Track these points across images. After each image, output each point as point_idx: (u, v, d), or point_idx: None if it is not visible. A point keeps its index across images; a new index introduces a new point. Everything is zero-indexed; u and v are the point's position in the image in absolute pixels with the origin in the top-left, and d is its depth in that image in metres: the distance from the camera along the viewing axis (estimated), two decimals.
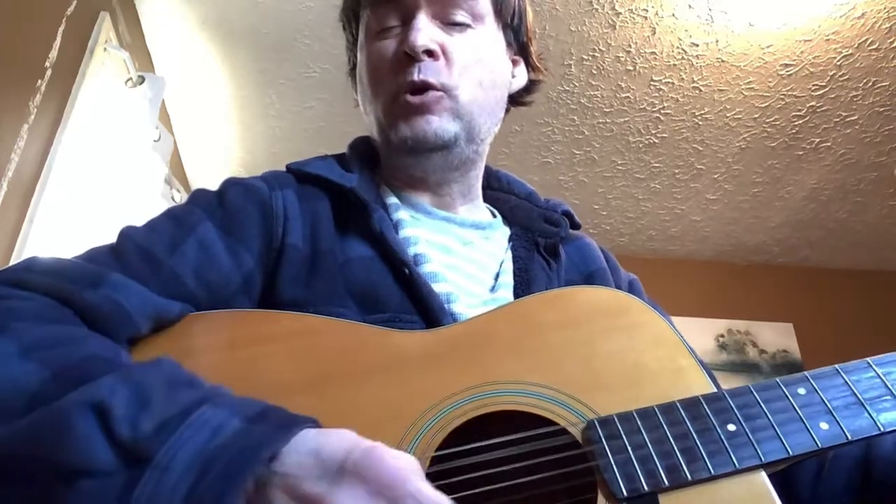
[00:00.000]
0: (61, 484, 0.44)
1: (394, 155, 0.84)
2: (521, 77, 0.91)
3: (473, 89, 0.80)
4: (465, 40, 0.80)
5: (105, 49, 1.85)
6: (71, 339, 0.54)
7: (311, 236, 0.75)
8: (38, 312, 0.56)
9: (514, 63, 0.90)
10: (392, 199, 0.83)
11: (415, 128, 0.78)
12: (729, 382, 0.64)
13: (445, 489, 0.54)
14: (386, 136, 0.82)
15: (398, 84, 0.79)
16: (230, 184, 0.78)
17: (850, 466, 0.67)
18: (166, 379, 0.51)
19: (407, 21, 0.80)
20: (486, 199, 0.94)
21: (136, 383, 0.49)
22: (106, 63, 1.86)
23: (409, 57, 0.78)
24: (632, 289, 0.91)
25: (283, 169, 0.83)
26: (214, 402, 0.49)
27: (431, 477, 0.55)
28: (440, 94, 0.78)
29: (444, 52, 0.79)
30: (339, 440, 0.47)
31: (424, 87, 0.77)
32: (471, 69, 0.80)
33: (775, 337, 3.09)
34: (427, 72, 0.77)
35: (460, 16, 0.81)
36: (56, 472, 0.44)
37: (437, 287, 0.73)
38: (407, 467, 0.45)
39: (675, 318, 0.83)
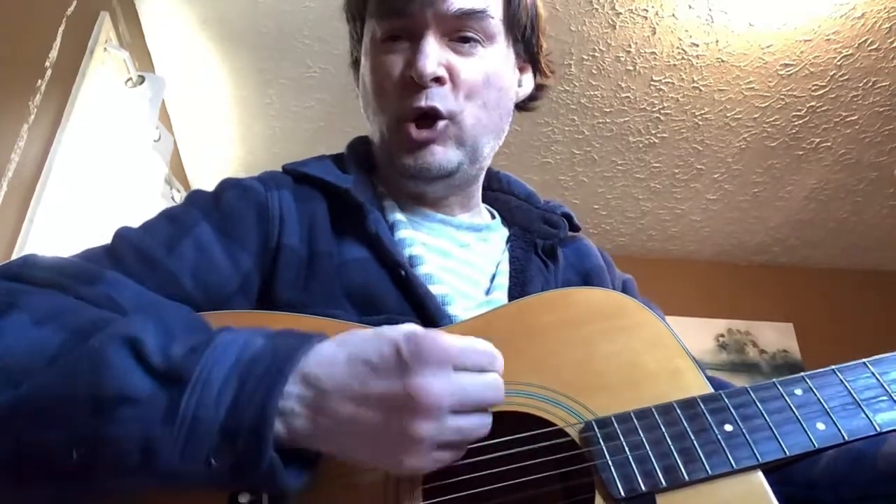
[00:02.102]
0: (104, 417, 0.46)
1: (393, 172, 0.82)
2: (527, 85, 0.89)
3: (478, 112, 0.78)
4: (473, 62, 0.77)
5: (105, 49, 1.85)
6: (80, 307, 0.56)
7: (308, 237, 0.75)
8: (42, 293, 0.57)
9: (522, 70, 0.88)
10: (388, 202, 0.83)
11: (418, 159, 0.77)
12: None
13: (443, 490, 0.55)
14: (388, 155, 0.81)
15: (404, 108, 0.77)
16: (227, 185, 0.78)
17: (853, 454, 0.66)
18: (186, 317, 0.56)
19: (414, 37, 0.77)
20: (485, 200, 0.94)
21: (161, 319, 0.52)
22: (106, 63, 1.86)
23: (415, 82, 0.75)
24: (625, 289, 0.91)
25: (280, 169, 0.83)
26: (232, 329, 0.53)
27: (429, 478, 0.55)
28: (445, 122, 0.76)
29: (452, 75, 0.77)
30: (367, 339, 0.50)
31: (430, 115, 0.76)
32: (477, 91, 0.78)
33: (775, 337, 3.09)
34: (434, 98, 0.75)
35: (470, 34, 0.77)
36: (97, 406, 0.46)
37: (433, 289, 0.73)
38: (449, 336, 0.49)
39: (675, 318, 0.83)
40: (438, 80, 0.76)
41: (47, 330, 0.51)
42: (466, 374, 0.49)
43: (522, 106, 0.91)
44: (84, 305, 0.57)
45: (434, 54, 0.75)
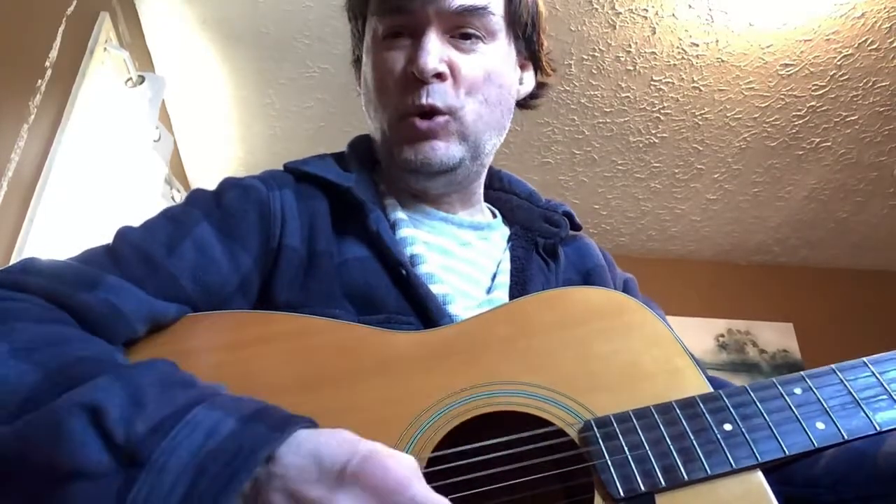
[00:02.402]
0: (56, 486, 0.44)
1: (394, 168, 0.82)
2: (528, 83, 0.89)
3: (479, 107, 0.78)
4: (474, 58, 0.78)
5: (105, 49, 1.85)
6: (65, 341, 0.54)
7: (309, 237, 0.75)
8: (33, 314, 0.56)
9: (523, 68, 0.88)
10: (390, 200, 0.82)
11: (419, 153, 0.77)
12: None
13: (442, 490, 0.55)
14: (389, 150, 0.81)
15: (405, 104, 0.77)
16: (228, 184, 0.78)
17: (852, 454, 0.66)
18: (161, 379, 0.50)
19: (415, 34, 0.77)
20: (487, 199, 0.94)
21: (131, 384, 0.48)
22: (106, 63, 1.86)
23: (416, 78, 0.76)
24: (626, 288, 0.91)
25: (282, 168, 0.83)
26: (210, 402, 0.49)
27: (428, 477, 0.55)
28: (446, 118, 0.76)
29: (453, 71, 0.77)
30: (339, 443, 0.47)
31: (431, 112, 0.76)
32: (478, 87, 0.78)
33: (775, 337, 3.09)
34: (434, 95, 0.75)
35: (471, 31, 0.78)
36: (51, 474, 0.44)
37: (434, 288, 0.73)
38: (407, 472, 0.45)
39: (675, 318, 0.83)
40: (440, 77, 0.76)
41: (24, 365, 0.50)
42: None
43: (523, 104, 0.91)
44: (68, 336, 0.55)
45: (435, 51, 0.75)
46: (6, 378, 0.49)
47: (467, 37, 0.78)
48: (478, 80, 0.78)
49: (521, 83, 0.88)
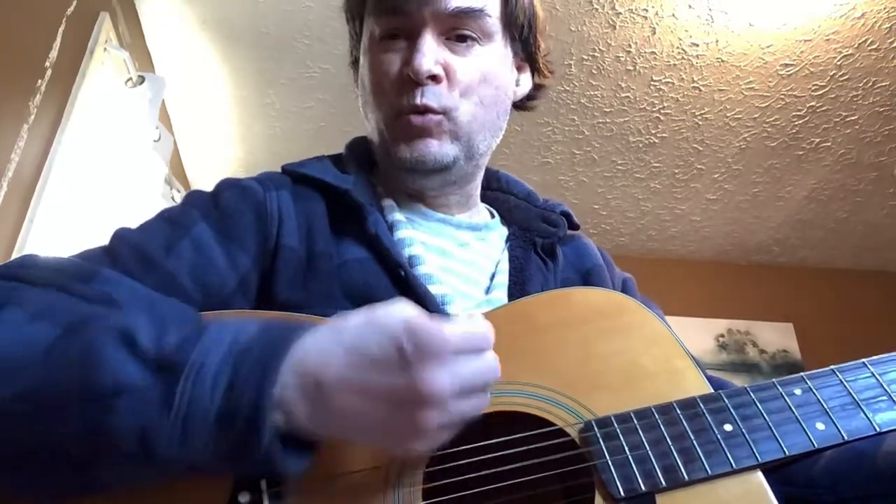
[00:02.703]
0: (100, 408, 0.46)
1: (392, 168, 0.83)
2: (525, 84, 0.89)
3: (474, 109, 0.79)
4: (470, 60, 0.78)
5: (105, 49, 1.85)
6: (75, 303, 0.56)
7: (307, 237, 0.75)
8: (38, 291, 0.57)
9: (520, 69, 0.88)
10: (388, 201, 0.83)
11: (414, 150, 0.77)
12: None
13: (443, 490, 0.55)
14: (386, 149, 0.81)
15: (400, 104, 0.77)
16: (225, 185, 0.78)
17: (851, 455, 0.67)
18: (179, 309, 0.56)
19: (411, 36, 0.77)
20: (485, 200, 0.94)
21: (154, 312, 0.53)
22: (106, 63, 1.86)
23: (412, 79, 0.76)
24: (625, 288, 0.91)
25: (279, 170, 0.83)
26: (224, 318, 0.53)
27: (429, 478, 0.55)
28: (439, 117, 0.77)
29: (448, 73, 0.77)
30: (370, 333, 0.49)
31: (425, 111, 0.76)
32: (473, 89, 0.78)
33: (775, 337, 3.09)
34: (428, 96, 0.76)
35: (467, 33, 0.78)
36: (92, 398, 0.47)
37: (433, 289, 0.73)
38: (441, 325, 0.48)
39: (675, 318, 0.83)
40: (435, 79, 0.76)
41: (42, 325, 0.51)
42: (465, 361, 0.49)
43: (521, 105, 0.91)
44: (79, 301, 0.57)
45: (431, 52, 0.76)
46: (26, 338, 0.51)
47: (463, 38, 0.78)
48: (473, 82, 0.78)
49: (517, 85, 0.88)
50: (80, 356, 0.48)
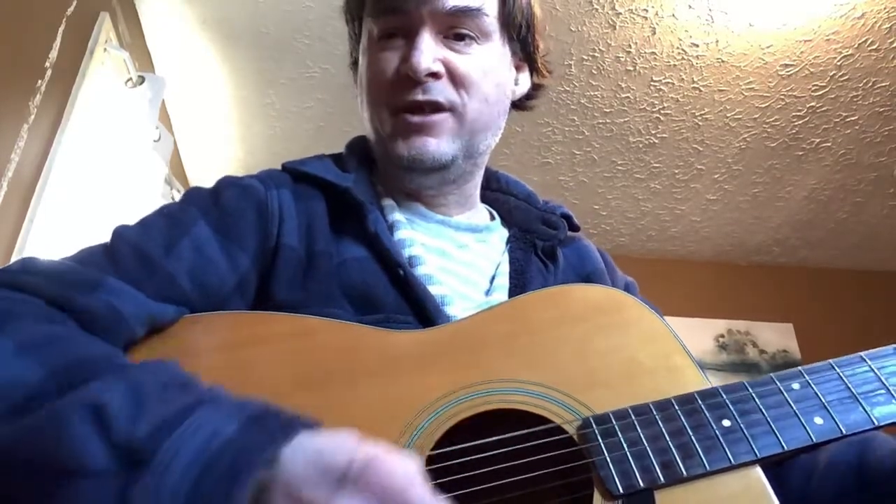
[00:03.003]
0: (60, 485, 0.44)
1: (390, 167, 0.83)
2: (524, 84, 0.89)
3: (479, 106, 0.79)
4: (469, 58, 0.78)
5: (105, 49, 1.85)
6: (68, 339, 0.55)
7: (307, 236, 0.75)
8: (35, 314, 0.56)
9: (518, 69, 0.88)
10: (388, 201, 0.83)
11: (413, 148, 0.77)
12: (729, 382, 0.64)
13: (442, 487, 0.55)
14: (384, 147, 0.81)
15: (398, 101, 0.77)
16: (226, 183, 0.77)
17: (844, 472, 0.67)
18: (163, 380, 0.50)
19: (409, 35, 0.77)
20: (485, 200, 0.94)
21: (133, 384, 0.48)
22: (106, 63, 1.86)
23: (410, 77, 0.75)
24: (627, 292, 0.90)
25: (280, 168, 0.83)
26: (213, 403, 0.49)
27: (428, 475, 0.55)
28: (445, 115, 0.77)
29: (448, 69, 0.77)
30: (341, 445, 0.46)
31: (429, 107, 0.76)
32: (477, 85, 0.78)
33: (775, 337, 3.09)
34: (432, 91, 0.76)
35: (465, 31, 0.78)
36: (54, 473, 0.44)
37: (432, 290, 0.73)
38: (408, 476, 0.45)
39: (675, 319, 0.83)
40: (434, 76, 0.76)
41: (28, 362, 0.50)
42: None
43: (519, 105, 0.91)
44: (71, 336, 0.55)
45: (429, 50, 0.75)
46: (11, 375, 0.49)
47: (461, 37, 0.78)
48: (475, 78, 0.78)
49: (516, 84, 0.87)
50: (51, 426, 0.46)
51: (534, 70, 0.90)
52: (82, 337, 0.56)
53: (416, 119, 0.77)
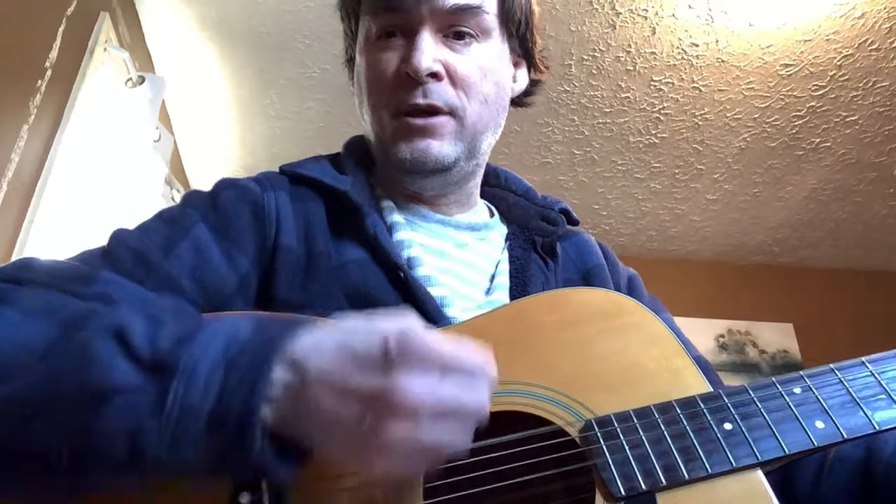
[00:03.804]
0: (92, 409, 0.46)
1: (390, 168, 0.82)
2: (522, 80, 0.89)
3: (479, 108, 0.78)
4: (469, 57, 0.77)
5: (105, 49, 1.85)
6: (70, 301, 0.56)
7: (305, 237, 0.75)
8: (33, 291, 0.57)
9: (516, 66, 0.87)
10: (386, 202, 0.82)
11: (415, 151, 0.76)
12: (729, 383, 0.64)
13: (444, 489, 0.55)
14: (385, 150, 0.80)
15: (399, 104, 0.77)
16: (223, 185, 0.77)
17: (851, 469, 0.67)
18: (174, 306, 0.55)
19: (409, 34, 0.76)
20: (484, 196, 0.93)
21: (147, 309, 0.52)
22: (106, 63, 1.86)
23: (411, 78, 0.75)
24: (631, 284, 0.90)
25: (277, 170, 0.83)
26: (222, 317, 0.52)
27: (430, 478, 0.55)
28: (446, 118, 0.76)
29: (448, 71, 0.76)
30: (362, 332, 0.48)
31: (430, 111, 0.76)
32: (476, 86, 0.77)
33: (775, 337, 3.09)
34: (432, 95, 0.75)
35: (465, 30, 0.77)
36: (85, 399, 0.46)
37: (432, 291, 0.72)
38: (439, 338, 0.47)
39: (674, 319, 0.83)
40: (435, 76, 0.76)
41: (37, 324, 0.51)
42: (452, 382, 0.47)
43: (517, 102, 0.91)
44: (74, 300, 0.56)
45: (430, 50, 0.75)
46: (23, 338, 0.50)
47: (461, 36, 0.77)
48: (474, 79, 0.77)
49: (514, 81, 0.87)
50: (74, 355, 0.48)
51: (531, 66, 0.89)
52: (83, 302, 0.57)
53: (417, 121, 0.76)
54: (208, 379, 0.46)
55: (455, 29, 0.77)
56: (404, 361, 0.45)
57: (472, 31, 0.78)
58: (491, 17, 0.79)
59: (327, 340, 0.49)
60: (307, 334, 0.49)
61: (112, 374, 0.46)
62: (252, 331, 0.50)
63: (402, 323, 0.48)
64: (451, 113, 0.77)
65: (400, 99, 0.76)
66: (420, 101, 0.75)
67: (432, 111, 0.76)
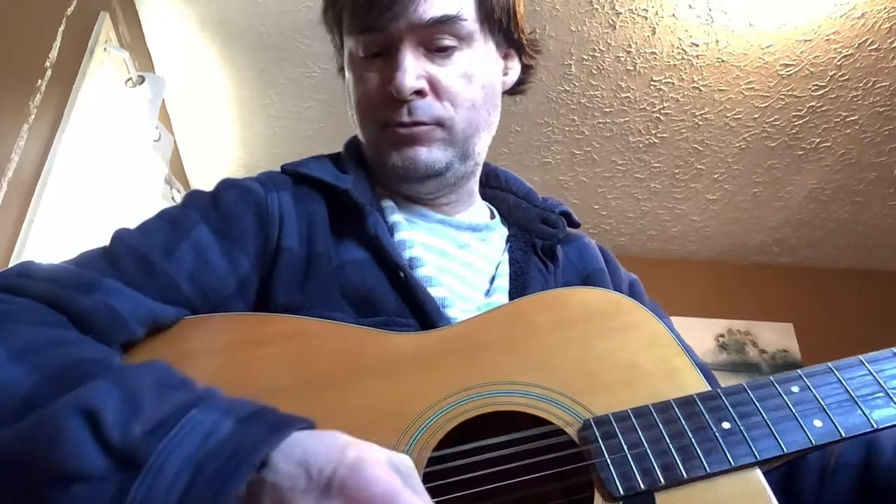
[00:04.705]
0: (55, 489, 0.44)
1: (385, 175, 0.82)
2: (514, 71, 0.87)
3: (468, 114, 0.78)
4: (453, 67, 0.77)
5: (105, 49, 1.85)
6: (62, 343, 0.54)
7: (307, 238, 0.74)
8: (30, 317, 0.56)
9: (507, 57, 0.86)
10: (388, 202, 0.82)
11: (405, 159, 0.77)
12: (729, 383, 0.64)
13: (442, 490, 0.55)
14: (377, 157, 0.81)
15: (387, 119, 0.77)
16: (225, 185, 0.77)
17: (852, 474, 0.67)
18: (157, 382, 0.50)
19: (390, 51, 0.76)
20: (484, 197, 0.93)
21: (127, 386, 0.48)
22: (106, 63, 1.86)
23: (395, 97, 0.75)
24: (632, 289, 0.90)
25: (279, 170, 0.83)
26: (206, 403, 0.49)
27: (428, 477, 0.55)
28: (430, 126, 0.76)
29: (433, 85, 0.76)
30: (328, 449, 0.46)
31: (414, 125, 0.76)
32: (462, 95, 0.77)
33: (775, 337, 3.09)
34: (417, 112, 0.75)
35: (446, 41, 0.76)
36: (49, 477, 0.44)
37: (432, 291, 0.72)
38: (394, 484, 0.44)
39: (674, 319, 0.83)
40: (419, 93, 0.75)
41: (21, 368, 0.50)
42: None
43: (514, 90, 0.90)
44: (65, 339, 0.55)
45: (412, 68, 0.74)
46: (4, 382, 0.49)
47: (443, 48, 0.77)
48: (459, 88, 0.77)
49: (505, 74, 0.86)
50: (46, 430, 0.46)
51: (522, 54, 0.88)
52: (77, 340, 0.56)
53: (404, 131, 0.76)
54: (174, 479, 0.44)
55: (435, 45, 0.76)
56: (339, 494, 0.43)
57: (452, 43, 0.77)
58: (470, 23, 0.77)
59: (296, 451, 0.46)
60: (287, 442, 0.47)
61: (78, 458, 0.44)
62: (230, 432, 0.47)
63: (367, 460, 0.45)
64: (439, 124, 0.76)
65: (386, 115, 0.77)
66: (405, 118, 0.75)
67: (417, 125, 0.76)
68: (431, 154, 0.77)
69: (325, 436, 0.48)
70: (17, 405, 0.48)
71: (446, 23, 0.75)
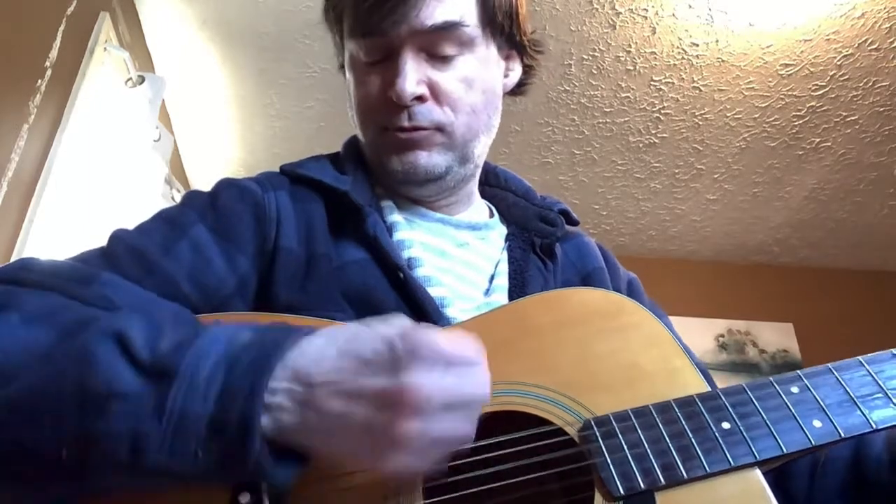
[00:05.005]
0: (92, 413, 0.46)
1: (385, 177, 0.82)
2: (515, 71, 0.87)
3: (468, 119, 0.78)
4: (453, 72, 0.76)
5: (105, 49, 1.85)
6: (72, 308, 0.56)
7: (306, 238, 0.75)
8: (36, 294, 0.57)
9: (508, 59, 0.85)
10: (386, 202, 0.82)
11: (405, 163, 0.77)
12: (729, 382, 0.64)
13: (443, 489, 0.55)
14: (378, 160, 0.81)
15: (387, 124, 0.77)
16: (223, 185, 0.78)
17: (842, 468, 0.68)
18: (174, 314, 0.55)
19: (391, 55, 0.75)
20: (483, 196, 0.93)
21: (149, 315, 0.52)
22: (106, 63, 1.86)
23: (396, 102, 0.75)
24: (631, 288, 0.90)
25: (278, 170, 0.83)
26: (221, 324, 0.53)
27: (429, 477, 0.55)
28: (429, 130, 0.76)
29: (433, 90, 0.76)
30: (365, 337, 0.49)
31: (414, 130, 0.76)
32: (462, 100, 0.77)
33: (775, 337, 3.10)
34: (417, 117, 0.75)
35: (447, 48, 0.76)
36: (85, 402, 0.46)
37: (432, 291, 0.72)
38: (438, 335, 0.48)
39: (675, 318, 0.83)
40: (420, 99, 0.75)
41: (37, 329, 0.51)
42: (454, 374, 0.48)
43: (516, 91, 0.90)
44: (75, 303, 0.57)
45: (412, 73, 0.74)
46: (22, 341, 0.50)
47: (444, 55, 0.76)
48: (460, 94, 0.77)
49: (506, 76, 0.86)
50: (75, 360, 0.48)
51: (524, 55, 0.88)
52: (84, 306, 0.58)
53: (404, 136, 0.76)
54: (208, 383, 0.47)
55: (436, 52, 0.76)
56: (412, 360, 0.46)
57: (453, 49, 0.76)
58: (472, 28, 0.77)
59: (328, 349, 0.49)
60: (307, 343, 0.50)
61: (113, 379, 0.47)
62: (251, 336, 0.50)
63: (402, 324, 0.49)
64: (439, 128, 0.76)
65: (387, 119, 0.77)
66: (405, 123, 0.75)
67: (416, 130, 0.76)
68: (431, 158, 0.77)
69: (342, 329, 0.52)
70: (40, 360, 0.49)
71: (448, 29, 0.75)
